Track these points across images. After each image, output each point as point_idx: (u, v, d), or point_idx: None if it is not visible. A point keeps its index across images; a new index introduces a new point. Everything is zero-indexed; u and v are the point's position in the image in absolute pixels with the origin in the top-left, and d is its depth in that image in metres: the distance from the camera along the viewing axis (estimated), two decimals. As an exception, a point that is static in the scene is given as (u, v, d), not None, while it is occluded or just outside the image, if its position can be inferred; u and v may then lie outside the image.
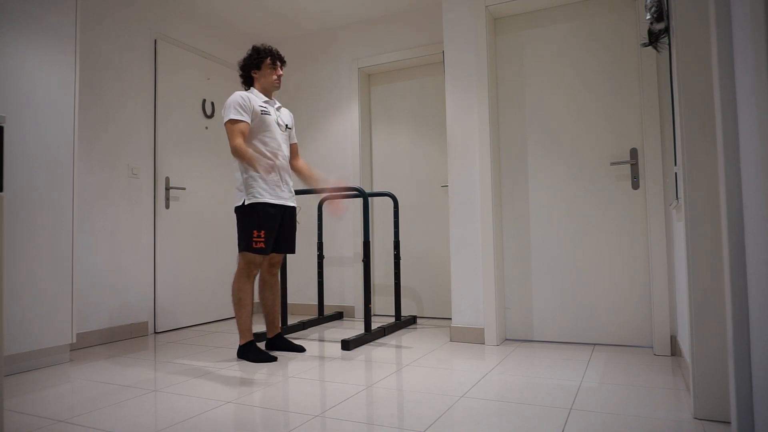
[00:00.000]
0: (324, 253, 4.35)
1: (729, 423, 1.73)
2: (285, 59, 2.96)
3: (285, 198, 2.82)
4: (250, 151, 2.63)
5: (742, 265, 1.19)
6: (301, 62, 4.54)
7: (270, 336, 2.95)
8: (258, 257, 2.72)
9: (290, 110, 4.57)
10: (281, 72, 2.89)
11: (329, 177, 3.04)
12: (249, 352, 2.73)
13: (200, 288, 4.00)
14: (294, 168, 3.00)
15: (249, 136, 2.73)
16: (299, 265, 4.48)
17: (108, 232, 3.36)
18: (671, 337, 2.74)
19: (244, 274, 2.72)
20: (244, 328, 2.74)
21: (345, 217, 4.27)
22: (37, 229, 2.63)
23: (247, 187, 2.71)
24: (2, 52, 2.52)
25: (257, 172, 2.62)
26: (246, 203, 2.70)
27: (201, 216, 4.04)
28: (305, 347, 3.01)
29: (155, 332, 3.66)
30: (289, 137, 2.95)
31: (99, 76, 3.35)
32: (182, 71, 3.94)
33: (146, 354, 2.97)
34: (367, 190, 4.25)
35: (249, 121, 2.69)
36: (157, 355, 2.93)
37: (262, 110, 2.75)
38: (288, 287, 4.45)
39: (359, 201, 4.19)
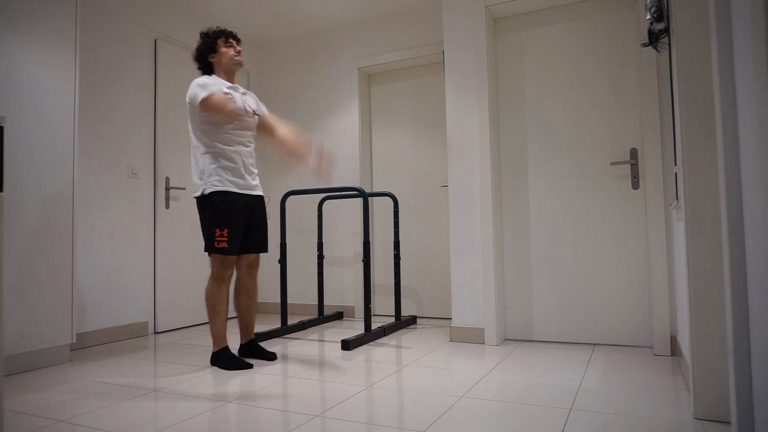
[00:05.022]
0: (324, 253, 4.35)
1: (729, 423, 1.73)
2: (239, 37, 2.75)
3: (251, 187, 2.66)
4: (223, 98, 2.46)
5: (742, 265, 1.19)
6: (301, 62, 4.54)
7: (243, 342, 2.79)
8: (230, 258, 2.58)
9: (290, 110, 4.57)
10: (239, 47, 2.72)
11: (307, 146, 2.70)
12: (223, 359, 2.59)
13: (200, 288, 4.00)
14: (278, 141, 2.72)
15: (211, 123, 2.56)
16: (299, 265, 4.48)
17: (108, 232, 3.36)
18: (671, 337, 2.74)
19: (217, 278, 2.58)
20: (218, 334, 2.61)
21: (345, 217, 4.27)
22: (37, 228, 2.63)
23: (207, 174, 2.54)
24: (3, 53, 2.52)
25: (233, 114, 2.47)
26: (206, 192, 2.54)
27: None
28: (276, 355, 2.80)
29: (155, 332, 3.66)
30: (257, 121, 2.75)
31: (99, 76, 3.35)
32: (182, 71, 3.94)
33: (146, 354, 2.97)
34: (367, 190, 4.25)
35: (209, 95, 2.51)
36: (157, 355, 2.93)
37: (226, 93, 2.56)
38: (288, 287, 4.45)
39: (359, 201, 4.19)
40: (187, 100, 2.59)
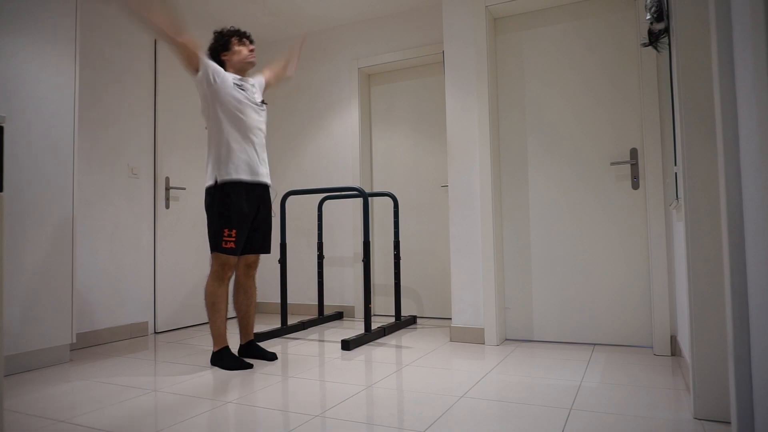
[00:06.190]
0: (324, 253, 4.35)
1: (729, 423, 1.73)
2: (252, 38, 2.80)
3: (262, 174, 2.68)
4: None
5: (742, 265, 1.19)
6: (301, 62, 4.54)
7: (243, 343, 2.79)
8: (232, 258, 2.60)
9: (290, 110, 4.56)
10: (252, 47, 2.76)
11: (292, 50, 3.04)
12: (223, 358, 2.59)
13: (200, 288, 3.99)
14: (285, 73, 3.00)
15: (222, 112, 2.58)
16: (299, 265, 4.48)
17: (108, 232, 3.36)
18: (671, 337, 2.74)
19: (217, 277, 2.59)
20: (218, 333, 2.62)
21: (345, 217, 4.27)
22: (38, 229, 2.63)
23: (222, 162, 2.56)
24: (2, 53, 2.52)
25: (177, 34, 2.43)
26: (218, 181, 2.56)
27: (201, 216, 4.03)
28: (276, 355, 2.80)
29: (155, 332, 3.66)
30: (266, 111, 2.82)
31: (99, 76, 3.35)
32: (182, 71, 3.94)
33: (146, 354, 2.97)
34: (367, 190, 4.25)
35: (204, 66, 2.55)
36: (157, 355, 2.93)
37: (234, 83, 2.62)
38: (288, 287, 4.45)
39: (359, 201, 4.19)
40: (196, 85, 2.62)
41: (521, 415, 1.83)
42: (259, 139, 2.71)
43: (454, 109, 3.22)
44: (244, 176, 2.60)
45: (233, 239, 2.57)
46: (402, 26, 4.13)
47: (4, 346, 2.31)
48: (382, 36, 4.20)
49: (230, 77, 2.64)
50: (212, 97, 2.59)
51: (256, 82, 2.84)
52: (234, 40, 2.73)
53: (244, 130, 2.63)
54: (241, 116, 2.63)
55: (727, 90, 1.22)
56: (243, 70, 2.75)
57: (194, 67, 2.56)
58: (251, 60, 2.75)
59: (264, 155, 2.74)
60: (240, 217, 2.59)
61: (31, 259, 2.60)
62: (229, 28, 2.76)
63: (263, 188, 2.73)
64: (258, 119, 2.71)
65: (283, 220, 3.60)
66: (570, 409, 1.89)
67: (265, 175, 2.73)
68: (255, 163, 2.66)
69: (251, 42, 2.79)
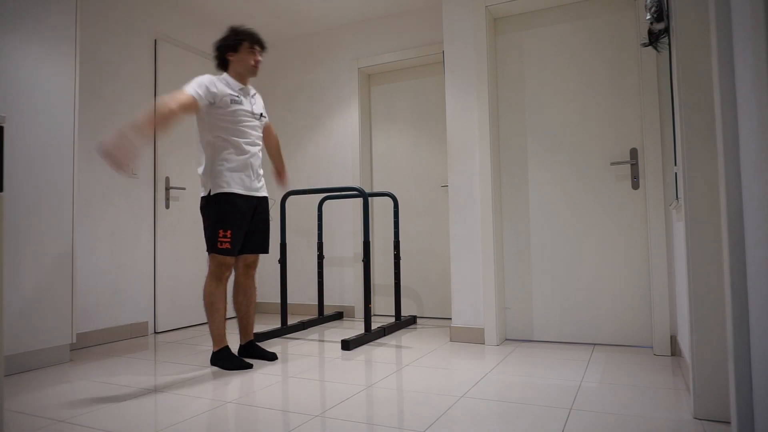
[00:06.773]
0: (324, 253, 4.35)
1: (729, 423, 1.73)
2: (265, 45, 2.69)
3: (256, 188, 2.67)
4: (162, 115, 2.33)
5: (742, 265, 1.19)
6: (301, 62, 4.54)
7: (243, 343, 2.78)
8: (228, 258, 2.58)
9: (290, 110, 4.57)
10: (260, 58, 2.70)
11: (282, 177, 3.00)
12: (223, 359, 2.59)
13: (200, 288, 3.99)
14: (267, 147, 2.93)
15: (219, 125, 2.56)
16: (299, 265, 4.48)
17: (108, 232, 3.36)
18: (671, 337, 2.74)
19: (215, 277, 2.58)
20: (217, 333, 2.60)
21: (345, 217, 4.27)
22: (38, 228, 2.63)
23: (214, 175, 2.55)
24: (2, 52, 2.52)
25: (139, 132, 2.25)
26: (212, 193, 2.54)
27: (200, 216, 4.03)
28: (276, 355, 2.79)
29: (155, 332, 3.66)
30: (263, 123, 2.81)
31: (99, 75, 3.35)
32: (182, 71, 3.94)
33: (146, 354, 2.97)
34: (367, 190, 4.25)
35: (201, 102, 2.51)
36: (157, 355, 2.93)
37: (232, 99, 2.58)
38: (288, 287, 4.45)
39: (359, 201, 4.19)
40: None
41: (521, 415, 1.83)
42: (255, 150, 2.68)
43: (454, 109, 3.22)
44: (238, 189, 2.59)
45: (228, 240, 2.55)
46: (402, 26, 4.13)
47: (4, 346, 2.31)
48: (382, 36, 4.20)
49: (228, 90, 2.60)
50: (209, 112, 2.57)
51: (259, 98, 2.81)
52: (246, 44, 2.66)
53: (238, 143, 2.61)
54: (241, 129, 2.62)
55: (727, 90, 1.22)
56: (243, 77, 2.70)
57: (196, 110, 2.54)
58: (254, 70, 2.70)
59: (259, 167, 2.72)
60: (235, 218, 2.57)
61: (31, 258, 2.60)
62: (245, 28, 2.69)
63: (259, 198, 2.73)
64: (254, 133, 2.69)
65: (283, 220, 3.60)
66: (570, 409, 1.89)
67: (260, 189, 2.72)
68: (250, 177, 2.64)
69: (262, 50, 2.73)
